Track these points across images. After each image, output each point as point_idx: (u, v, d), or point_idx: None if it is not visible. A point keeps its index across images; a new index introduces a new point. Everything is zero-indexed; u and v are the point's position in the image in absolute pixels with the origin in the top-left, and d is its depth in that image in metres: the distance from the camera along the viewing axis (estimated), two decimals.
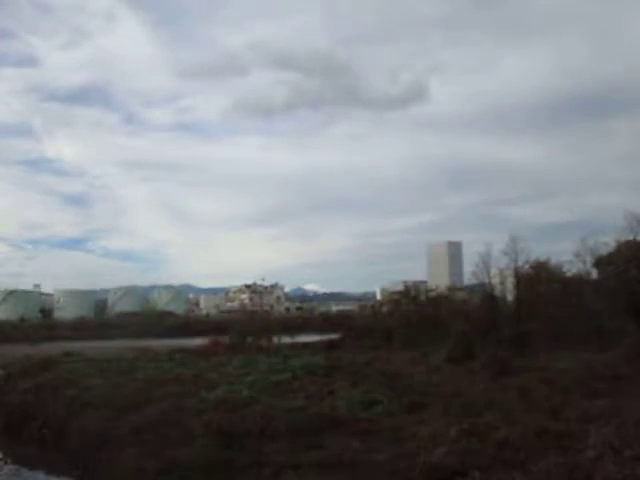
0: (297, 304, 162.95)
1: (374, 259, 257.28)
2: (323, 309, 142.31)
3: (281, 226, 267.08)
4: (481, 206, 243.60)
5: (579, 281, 34.28)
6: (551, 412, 13.64)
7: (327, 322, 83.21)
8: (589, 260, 33.44)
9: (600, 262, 33.20)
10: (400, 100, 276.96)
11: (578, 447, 10.58)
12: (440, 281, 67.97)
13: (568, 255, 34.75)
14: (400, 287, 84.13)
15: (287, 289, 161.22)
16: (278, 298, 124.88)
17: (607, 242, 32.23)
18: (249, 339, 42.31)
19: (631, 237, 30.96)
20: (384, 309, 55.85)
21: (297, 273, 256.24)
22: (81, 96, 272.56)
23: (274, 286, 54.70)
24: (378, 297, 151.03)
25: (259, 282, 54.36)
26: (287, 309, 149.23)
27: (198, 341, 42.53)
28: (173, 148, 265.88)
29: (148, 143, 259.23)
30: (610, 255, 32.47)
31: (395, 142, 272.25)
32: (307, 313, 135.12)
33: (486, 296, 37.03)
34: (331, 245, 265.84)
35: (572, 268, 34.85)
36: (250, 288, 54.92)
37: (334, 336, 46.35)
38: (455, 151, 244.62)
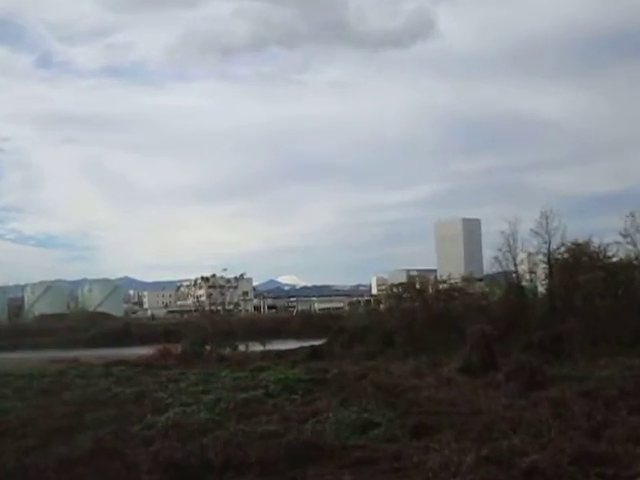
0: (269, 301, 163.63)
1: (368, 243, 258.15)
2: (303, 307, 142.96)
3: (247, 200, 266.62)
4: (504, 172, 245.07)
5: (628, 267, 34.76)
6: (592, 432, 13.94)
7: (308, 324, 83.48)
8: None
9: None
10: (400, 36, 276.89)
11: (624, 474, 10.86)
12: (453, 269, 68.38)
13: (614, 235, 35.26)
14: (402, 278, 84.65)
15: (256, 282, 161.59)
16: (245, 294, 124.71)
17: None
18: (208, 347, 42.45)
19: None
20: (382, 306, 56.28)
21: (269, 262, 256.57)
22: None
23: (239, 279, 54.63)
24: (374, 291, 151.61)
25: (220, 274, 54.09)
26: (257, 308, 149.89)
27: (142, 351, 42.56)
28: (103, 99, 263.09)
29: (71, 92, 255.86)
30: None
31: (394, 90, 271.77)
32: (283, 313, 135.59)
33: (511, 288, 37.49)
34: (313, 225, 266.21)
35: (619, 251, 35.36)
36: (208, 282, 54.71)
37: (317, 342, 46.63)
38: (471, 101, 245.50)
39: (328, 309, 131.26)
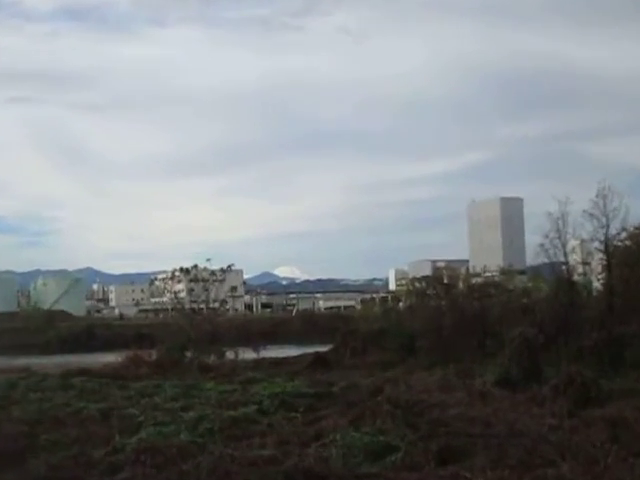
0: (264, 299, 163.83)
1: (385, 227, 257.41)
2: (305, 306, 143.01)
3: (237, 174, 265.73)
4: (554, 141, 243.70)
5: None
6: None
7: (311, 326, 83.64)
8: None
9: None
10: None
11: None
12: (489, 260, 68.53)
13: None
14: (427, 271, 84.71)
15: (248, 275, 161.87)
16: (234, 290, 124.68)
17: None
18: (188, 354, 42.52)
19: None
20: (401, 305, 56.30)
21: (263, 250, 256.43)
22: None
23: (227, 271, 54.35)
24: (391, 287, 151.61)
25: (203, 265, 54.06)
26: (248, 307, 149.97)
27: (108, 358, 42.70)
28: (60, 49, 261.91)
29: (19, 41, 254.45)
30: None
31: (418, 39, 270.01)
32: (280, 313, 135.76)
33: (560, 283, 37.38)
34: (318, 205, 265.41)
35: None
36: (189, 274, 54.64)
37: (322, 348, 46.67)
38: (514, 53, 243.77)
39: (335, 308, 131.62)
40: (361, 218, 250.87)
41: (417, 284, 50.02)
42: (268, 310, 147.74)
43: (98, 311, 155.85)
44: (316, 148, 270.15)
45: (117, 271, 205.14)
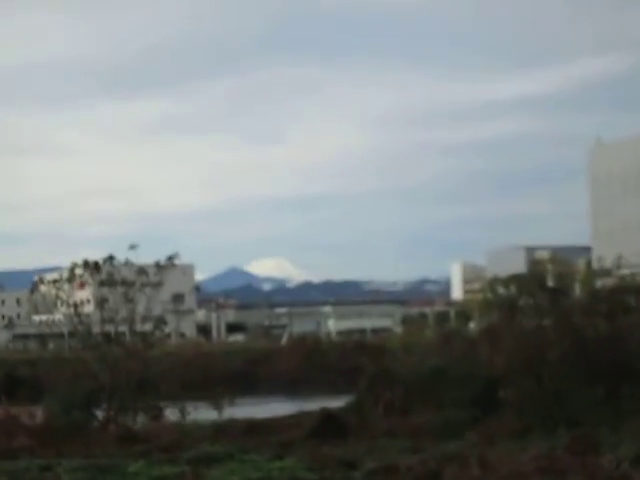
0: (232, 315, 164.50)
1: (443, 190, 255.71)
2: (303, 328, 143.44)
3: (189, 94, 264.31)
4: None
5: None
6: None
7: (315, 364, 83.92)
8: None
9: None
10: None
11: None
12: (626, 247, 68.62)
13: None
14: (518, 265, 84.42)
15: (203, 274, 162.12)
16: (179, 300, 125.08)
17: None
18: (100, 414, 42.48)
19: None
20: (472, 326, 56.38)
21: (231, 231, 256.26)
22: None
23: (166, 267, 53.61)
24: (456, 294, 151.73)
25: (123, 256, 53.79)
26: (205, 330, 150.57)
27: None
28: None
29: None
30: None
31: None
32: (260, 340, 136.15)
33: None
34: (325, 151, 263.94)
35: None
36: (99, 272, 54.13)
37: (334, 402, 46.69)
38: None
39: (357, 332, 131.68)
40: (402, 174, 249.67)
41: (501, 289, 50.03)
42: (239, 336, 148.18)
43: None
44: (325, 49, 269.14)
45: None
